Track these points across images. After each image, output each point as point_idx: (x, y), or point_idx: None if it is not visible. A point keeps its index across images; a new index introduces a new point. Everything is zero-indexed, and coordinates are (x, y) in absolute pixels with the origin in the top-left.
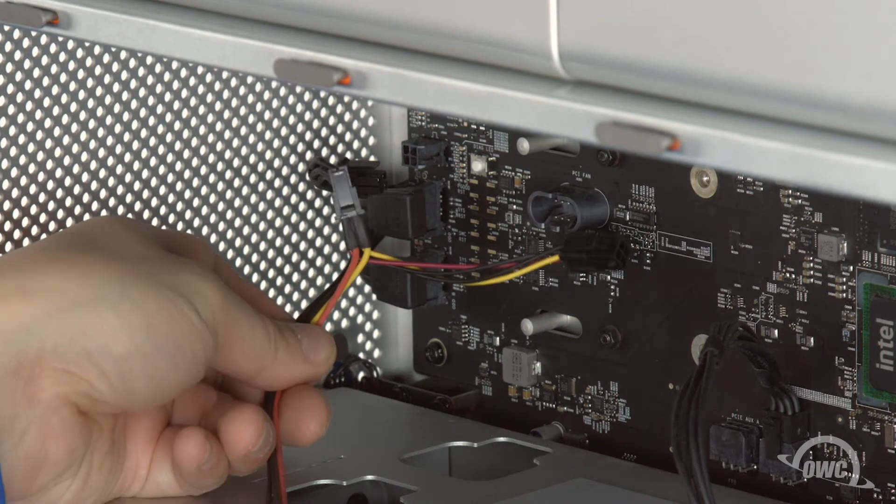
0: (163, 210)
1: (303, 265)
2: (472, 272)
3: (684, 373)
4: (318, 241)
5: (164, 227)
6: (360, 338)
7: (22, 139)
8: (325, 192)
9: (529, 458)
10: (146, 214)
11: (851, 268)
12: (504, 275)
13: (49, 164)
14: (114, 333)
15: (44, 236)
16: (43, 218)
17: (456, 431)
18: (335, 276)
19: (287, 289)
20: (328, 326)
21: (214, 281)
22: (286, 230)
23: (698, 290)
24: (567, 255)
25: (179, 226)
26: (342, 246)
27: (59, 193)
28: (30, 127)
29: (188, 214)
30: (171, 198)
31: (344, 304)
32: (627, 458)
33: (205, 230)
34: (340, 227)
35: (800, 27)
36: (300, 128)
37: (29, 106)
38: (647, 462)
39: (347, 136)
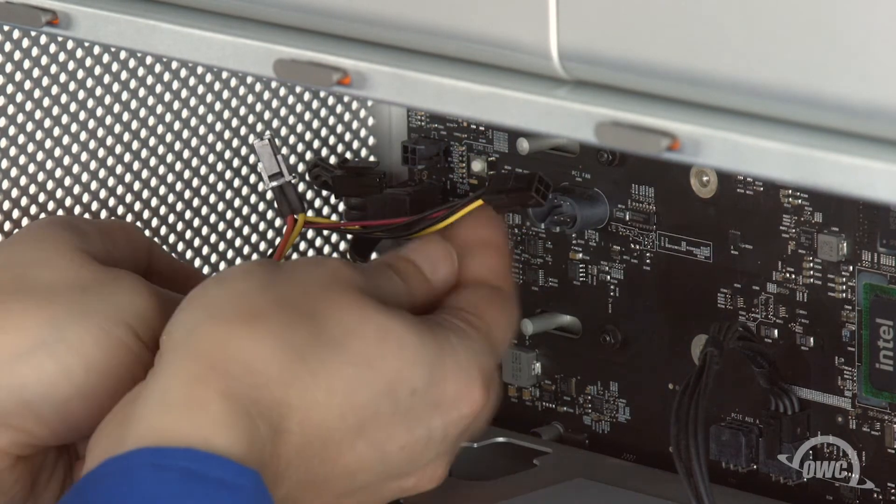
0: (162, 210)
1: None
2: (401, 226)
3: (684, 373)
4: (318, 242)
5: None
6: None
7: (22, 139)
8: (324, 192)
9: (529, 458)
10: (146, 214)
11: (851, 268)
12: (437, 224)
13: (49, 164)
14: (52, 381)
15: None
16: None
17: None
18: None
19: None
20: None
21: (149, 295)
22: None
23: (698, 290)
24: (489, 198)
25: (179, 226)
26: (342, 245)
27: (59, 193)
28: (29, 127)
29: (188, 214)
30: (170, 198)
31: None
32: (627, 458)
33: (204, 230)
34: (271, 196)
35: (799, 27)
36: (300, 128)
37: (29, 106)
38: (647, 462)
39: (347, 136)
